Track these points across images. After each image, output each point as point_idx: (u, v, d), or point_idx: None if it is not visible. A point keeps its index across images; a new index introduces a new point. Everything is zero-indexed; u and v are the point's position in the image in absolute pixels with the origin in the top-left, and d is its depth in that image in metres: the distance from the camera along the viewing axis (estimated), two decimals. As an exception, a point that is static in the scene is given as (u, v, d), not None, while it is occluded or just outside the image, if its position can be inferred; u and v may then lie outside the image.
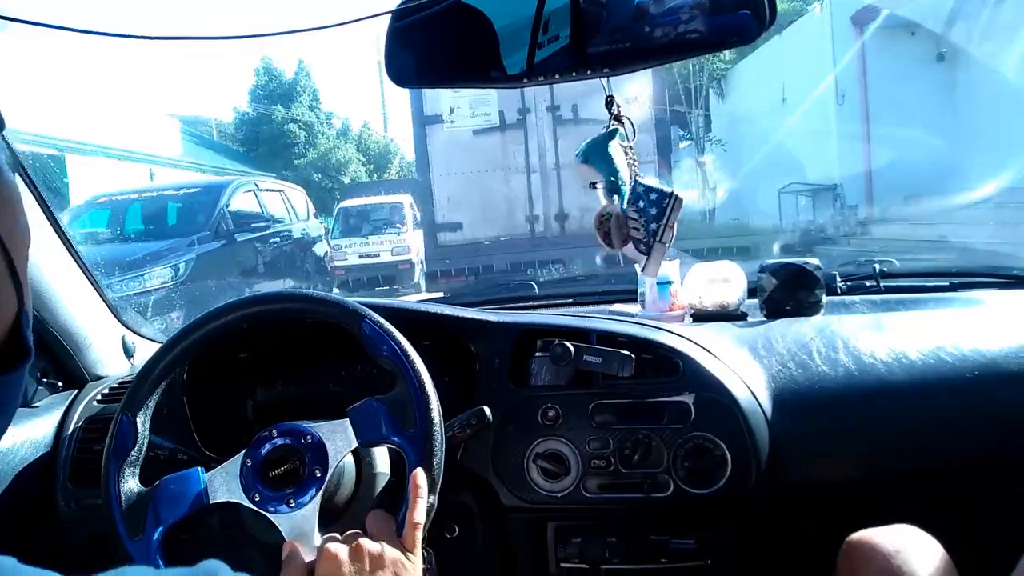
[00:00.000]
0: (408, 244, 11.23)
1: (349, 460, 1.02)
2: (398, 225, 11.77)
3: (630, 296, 1.55)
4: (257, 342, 1.25)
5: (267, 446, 0.95)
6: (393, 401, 0.95)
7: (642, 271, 1.01)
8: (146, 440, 1.00)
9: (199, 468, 0.96)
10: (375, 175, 30.56)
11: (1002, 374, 1.18)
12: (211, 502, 0.94)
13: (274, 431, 0.96)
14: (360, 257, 11.17)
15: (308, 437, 0.95)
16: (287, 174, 25.52)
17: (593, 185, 0.98)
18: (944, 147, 10.83)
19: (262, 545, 1.00)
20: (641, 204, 0.97)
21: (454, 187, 7.69)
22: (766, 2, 0.74)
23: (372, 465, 1.05)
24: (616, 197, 0.99)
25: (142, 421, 1.01)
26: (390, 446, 0.96)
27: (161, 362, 1.04)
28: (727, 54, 17.15)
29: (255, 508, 0.92)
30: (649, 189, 0.97)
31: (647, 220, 0.96)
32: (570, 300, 1.66)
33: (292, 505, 0.91)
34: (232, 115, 29.86)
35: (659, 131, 7.63)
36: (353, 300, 1.04)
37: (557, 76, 0.82)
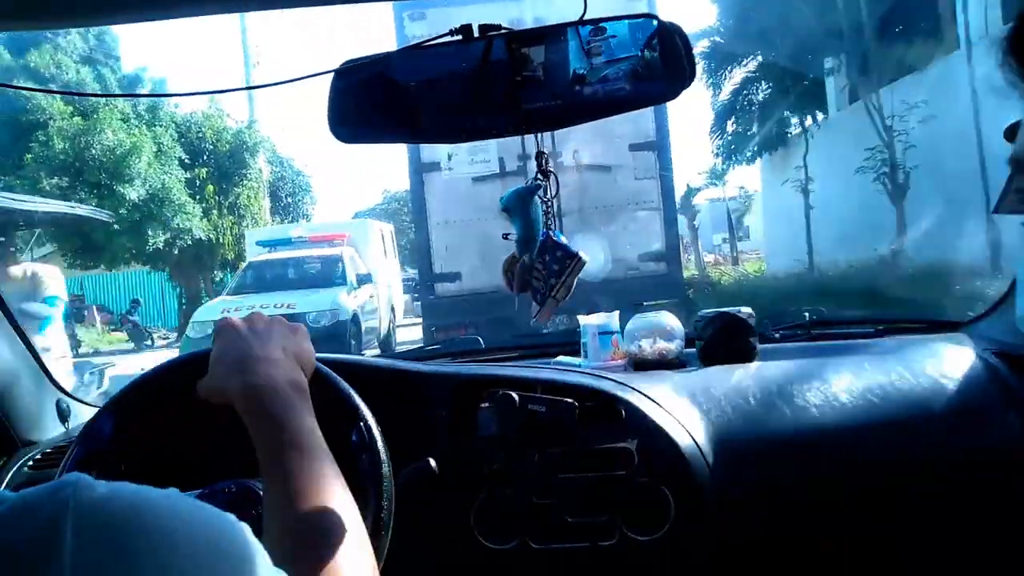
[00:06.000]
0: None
1: None
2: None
3: (574, 348, 1.58)
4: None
5: (217, 499, 0.93)
6: None
7: (534, 319, 1.05)
8: (115, 444, 0.97)
9: None
10: (214, 187, 16.03)
11: (925, 414, 1.24)
12: None
13: (232, 487, 0.94)
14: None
15: (259, 508, 0.93)
16: (13, 182, 13.60)
17: (506, 236, 1.02)
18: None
19: None
20: (547, 258, 1.01)
21: (452, 236, 7.41)
22: (684, 65, 0.80)
23: None
24: (525, 241, 1.03)
25: (119, 424, 0.97)
26: None
27: (167, 374, 1.01)
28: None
29: None
30: (557, 246, 1.02)
31: (548, 274, 1.01)
32: (516, 353, 1.68)
33: None
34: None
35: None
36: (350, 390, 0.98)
37: (494, 132, 0.87)
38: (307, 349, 0.88)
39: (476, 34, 0.80)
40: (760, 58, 12.69)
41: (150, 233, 14.24)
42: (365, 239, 11.97)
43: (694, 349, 1.49)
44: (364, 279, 10.46)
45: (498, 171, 7.17)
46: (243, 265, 11.70)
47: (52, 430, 1.46)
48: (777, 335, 1.58)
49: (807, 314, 1.63)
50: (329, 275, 10.17)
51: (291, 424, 0.76)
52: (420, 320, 9.97)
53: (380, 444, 0.95)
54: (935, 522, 1.22)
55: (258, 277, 10.61)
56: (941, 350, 1.39)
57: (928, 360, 1.35)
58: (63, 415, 1.49)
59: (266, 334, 0.83)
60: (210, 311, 9.74)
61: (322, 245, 11.11)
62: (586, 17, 0.80)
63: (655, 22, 0.81)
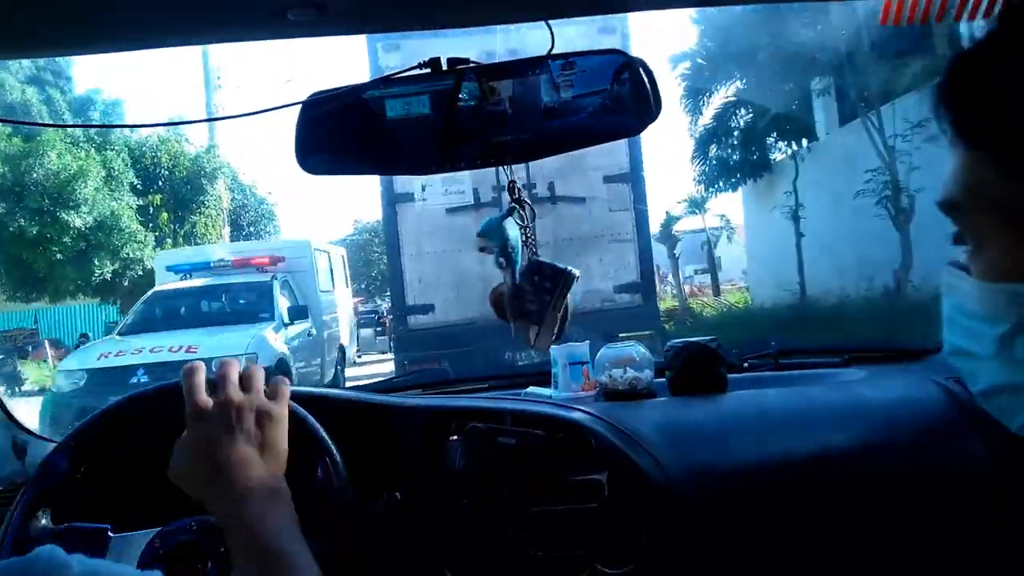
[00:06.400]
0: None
1: None
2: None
3: (544, 378, 1.58)
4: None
5: (179, 538, 0.91)
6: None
7: (533, 344, 1.04)
8: (72, 481, 0.96)
9: (108, 527, 0.92)
10: (169, 215, 14.81)
11: (891, 441, 1.26)
12: None
13: (193, 524, 0.92)
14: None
15: (223, 543, 0.91)
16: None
17: (483, 249, 1.01)
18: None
19: None
20: (536, 278, 1.01)
21: (426, 268, 7.35)
22: (651, 99, 0.81)
23: None
24: (506, 264, 1.02)
25: (76, 460, 0.96)
26: None
27: (125, 410, 1.01)
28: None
29: None
30: (543, 265, 1.02)
31: (541, 292, 1.00)
32: (486, 385, 1.67)
33: None
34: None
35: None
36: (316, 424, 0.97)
37: (463, 164, 0.87)
38: (282, 422, 0.82)
39: (444, 67, 0.81)
40: (743, 81, 11.88)
41: (96, 263, 12.98)
42: (305, 264, 10.08)
43: (664, 379, 1.50)
44: (298, 313, 9.00)
45: (472, 202, 7.15)
46: (146, 295, 9.46)
47: (8, 466, 1.41)
48: (745, 364, 1.59)
49: (773, 343, 1.65)
50: (254, 308, 8.73)
51: (266, 530, 0.73)
52: (381, 357, 9.50)
53: (345, 478, 0.94)
54: (903, 543, 1.23)
55: (166, 310, 8.99)
56: (905, 378, 1.41)
57: (892, 388, 1.37)
58: (19, 451, 1.44)
59: (241, 423, 0.78)
60: (82, 357, 8.26)
61: (248, 271, 9.49)
62: (554, 51, 0.81)
63: (623, 57, 0.83)
